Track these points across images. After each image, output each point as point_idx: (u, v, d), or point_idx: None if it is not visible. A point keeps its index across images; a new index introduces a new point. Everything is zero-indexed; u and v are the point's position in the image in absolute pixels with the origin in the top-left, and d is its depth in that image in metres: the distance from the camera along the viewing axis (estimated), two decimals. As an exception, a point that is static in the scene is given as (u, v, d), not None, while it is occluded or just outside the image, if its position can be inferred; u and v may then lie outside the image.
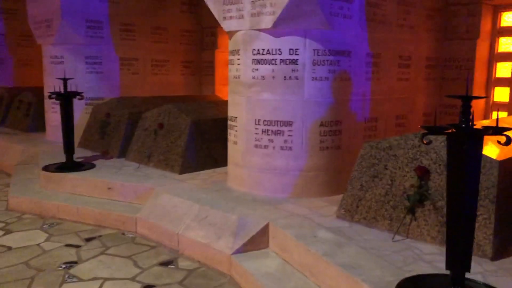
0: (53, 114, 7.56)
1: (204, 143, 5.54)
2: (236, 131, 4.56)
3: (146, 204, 4.57)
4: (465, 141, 2.25)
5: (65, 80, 5.42)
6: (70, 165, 5.55)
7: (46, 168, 5.55)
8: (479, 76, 5.70)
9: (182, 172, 5.24)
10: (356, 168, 3.70)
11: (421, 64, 5.39)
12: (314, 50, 4.14)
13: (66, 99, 5.39)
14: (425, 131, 2.34)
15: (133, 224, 4.49)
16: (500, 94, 5.99)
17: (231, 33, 4.53)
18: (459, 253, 2.35)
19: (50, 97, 5.42)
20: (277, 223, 3.63)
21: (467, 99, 2.28)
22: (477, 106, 5.68)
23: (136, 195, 4.84)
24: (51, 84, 7.41)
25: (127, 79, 7.90)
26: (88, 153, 6.38)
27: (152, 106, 6.56)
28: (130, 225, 4.51)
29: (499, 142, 2.27)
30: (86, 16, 7.19)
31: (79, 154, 6.10)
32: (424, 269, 2.77)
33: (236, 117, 4.55)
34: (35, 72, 10.96)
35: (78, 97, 5.45)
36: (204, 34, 8.95)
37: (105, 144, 6.44)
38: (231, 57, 4.60)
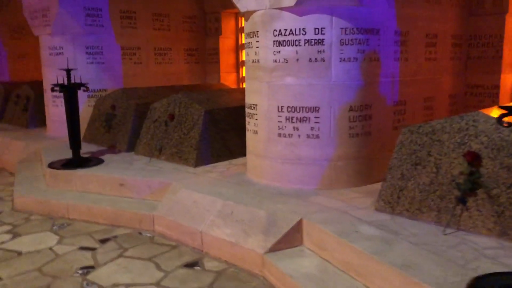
0: (54, 108, 7.22)
1: (218, 134, 5.22)
2: (256, 119, 4.25)
3: (164, 201, 4.27)
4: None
5: (68, 71, 5.08)
6: (77, 161, 5.22)
7: (52, 165, 5.23)
8: (507, 54, 5.38)
9: (197, 165, 4.94)
10: (395, 155, 3.40)
11: (447, 43, 5.08)
12: (341, 28, 3.82)
13: (70, 91, 5.05)
14: (504, 111, 2.03)
15: (150, 222, 4.20)
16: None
17: (248, 14, 4.20)
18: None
19: (53, 90, 5.08)
20: (311, 218, 3.34)
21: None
22: (505, 86, 5.39)
23: (150, 191, 4.54)
24: (50, 76, 7.07)
25: (130, 69, 7.56)
26: (93, 148, 6.07)
27: (158, 97, 6.25)
28: (147, 223, 4.21)
29: None
30: (84, 3, 6.82)
31: (84, 149, 5.78)
32: (489, 266, 2.48)
33: (256, 105, 4.23)
34: (31, 65, 10.62)
35: (83, 88, 5.12)
36: (207, 20, 8.58)
37: (112, 137, 6.12)
38: (248, 40, 4.27)
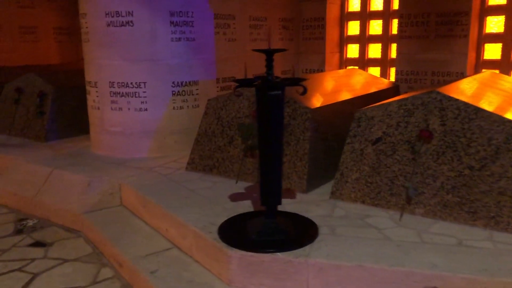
0: (113, 112, 4.46)
1: (521, 165, 2.90)
2: None
3: None
4: None
5: (270, 54, 2.48)
6: (279, 227, 2.65)
7: (232, 241, 2.60)
8: None
9: (523, 229, 2.62)
10: None
11: None
12: None
13: (279, 90, 2.47)
14: None
15: None
16: None
17: None
18: None
19: (236, 92, 2.47)
20: None
21: None
22: None
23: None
24: (108, 62, 4.39)
25: (223, 50, 4.96)
26: (224, 183, 3.50)
27: (329, 97, 3.83)
28: None
29: None
30: None
31: (201, 184, 3.27)
32: None
33: None
34: (38, 43, 7.40)
35: (299, 88, 2.55)
36: (304, -22, 6.08)
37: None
38: None
